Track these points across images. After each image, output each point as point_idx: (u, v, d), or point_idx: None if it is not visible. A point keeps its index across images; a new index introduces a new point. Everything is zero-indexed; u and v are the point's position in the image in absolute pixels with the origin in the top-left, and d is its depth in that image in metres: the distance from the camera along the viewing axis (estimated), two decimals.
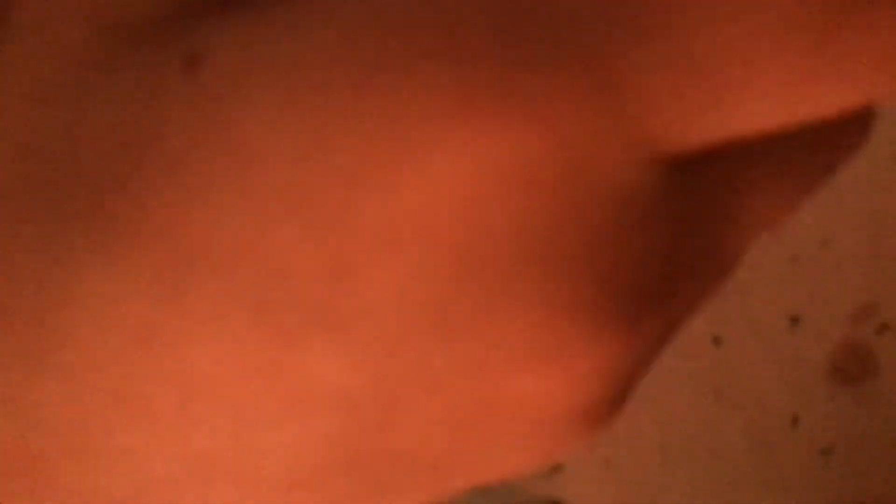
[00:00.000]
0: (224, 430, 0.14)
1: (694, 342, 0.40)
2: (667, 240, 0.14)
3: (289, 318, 0.13)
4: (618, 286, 0.14)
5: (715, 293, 0.18)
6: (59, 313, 0.13)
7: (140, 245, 0.13)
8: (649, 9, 0.13)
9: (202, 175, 0.13)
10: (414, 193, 0.13)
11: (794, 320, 0.40)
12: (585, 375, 0.14)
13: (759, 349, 0.40)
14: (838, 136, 0.16)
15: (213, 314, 0.13)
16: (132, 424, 0.14)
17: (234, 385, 0.13)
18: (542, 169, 0.13)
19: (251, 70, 0.13)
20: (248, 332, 0.13)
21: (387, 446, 0.14)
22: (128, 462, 0.14)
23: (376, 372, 0.13)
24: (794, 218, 0.39)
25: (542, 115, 0.13)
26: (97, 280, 0.13)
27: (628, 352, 0.14)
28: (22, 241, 0.13)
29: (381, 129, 0.13)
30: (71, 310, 0.13)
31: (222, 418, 0.14)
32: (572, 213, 0.13)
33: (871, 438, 0.40)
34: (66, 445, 0.14)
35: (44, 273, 0.13)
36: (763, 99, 0.13)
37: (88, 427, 0.14)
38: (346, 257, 0.13)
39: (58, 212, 0.13)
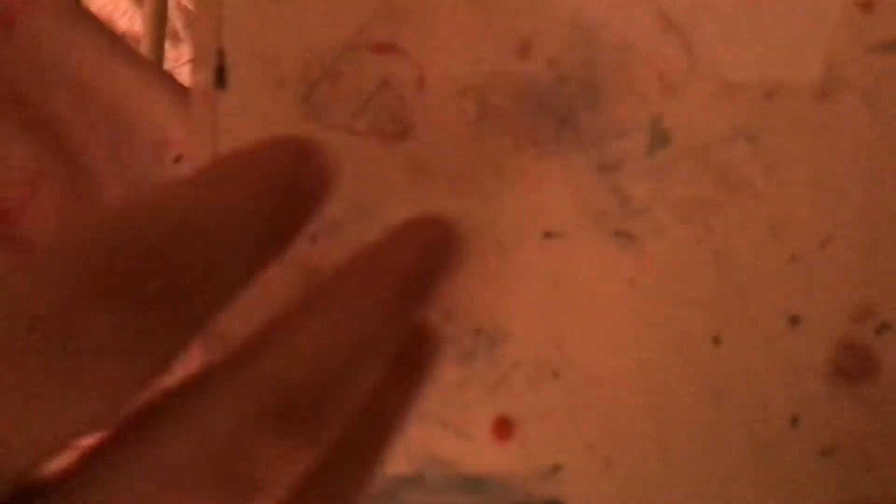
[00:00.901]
0: None
1: (694, 342, 0.40)
2: None
3: None
4: None
5: None
6: None
7: None
8: None
9: None
10: None
11: (794, 320, 0.40)
12: None
13: (759, 349, 0.40)
14: None
15: None
16: None
17: None
18: None
19: None
20: None
21: None
22: None
23: None
24: (793, 218, 0.39)
25: None
26: None
27: None
28: None
29: None
30: None
31: None
32: None
33: (871, 438, 0.40)
34: None
35: None
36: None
37: None
38: None
39: None
